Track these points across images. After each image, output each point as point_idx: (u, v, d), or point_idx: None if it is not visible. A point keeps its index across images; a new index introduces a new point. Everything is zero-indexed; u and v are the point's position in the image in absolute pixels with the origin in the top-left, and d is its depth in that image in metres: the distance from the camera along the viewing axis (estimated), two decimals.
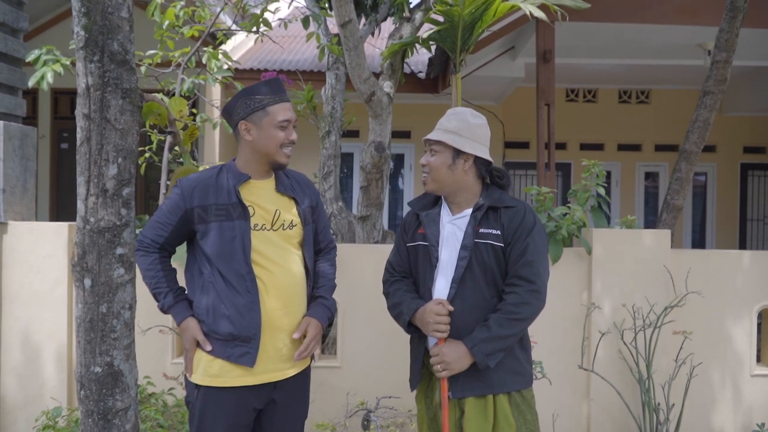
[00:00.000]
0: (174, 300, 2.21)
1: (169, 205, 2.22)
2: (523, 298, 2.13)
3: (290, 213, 2.26)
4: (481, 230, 2.20)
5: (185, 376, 2.25)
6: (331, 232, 2.50)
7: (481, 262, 2.18)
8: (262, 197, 2.23)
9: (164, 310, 2.23)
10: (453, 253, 2.22)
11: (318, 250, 2.41)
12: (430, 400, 2.30)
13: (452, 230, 2.25)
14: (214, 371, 2.15)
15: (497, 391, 2.17)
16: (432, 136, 2.26)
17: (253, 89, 2.20)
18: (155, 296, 2.23)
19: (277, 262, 2.20)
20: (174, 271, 2.29)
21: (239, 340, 2.13)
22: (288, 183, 2.31)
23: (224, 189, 2.19)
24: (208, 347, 2.15)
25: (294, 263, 2.24)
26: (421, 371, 2.32)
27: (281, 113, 2.20)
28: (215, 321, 2.14)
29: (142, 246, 2.24)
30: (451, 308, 2.17)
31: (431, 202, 2.35)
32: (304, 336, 2.25)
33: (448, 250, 2.23)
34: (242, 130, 2.21)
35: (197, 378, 2.17)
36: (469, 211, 2.25)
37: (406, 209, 9.95)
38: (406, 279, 2.36)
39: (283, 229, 2.23)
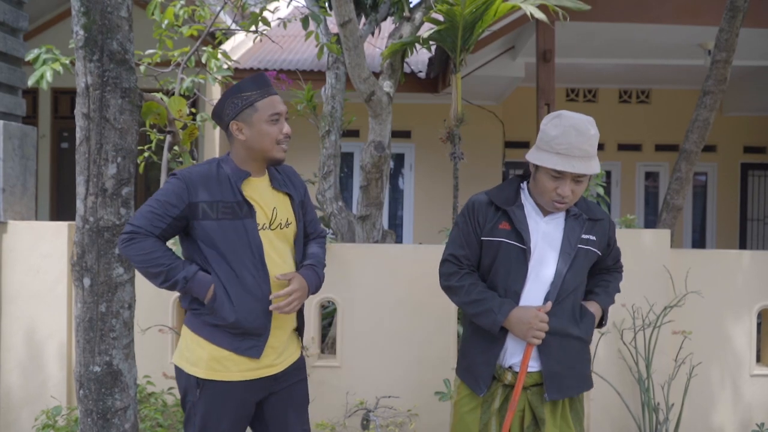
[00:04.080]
0: (198, 267, 2.09)
1: (169, 196, 2.07)
2: (620, 276, 2.44)
3: (286, 210, 2.24)
4: (584, 236, 2.18)
5: (183, 373, 2.17)
6: (328, 229, 2.45)
7: (579, 266, 2.18)
8: (261, 195, 2.20)
9: (187, 279, 2.06)
10: (551, 254, 2.15)
11: (306, 243, 2.37)
12: (488, 405, 2.20)
13: (548, 231, 2.17)
14: (219, 365, 2.11)
15: (586, 388, 2.24)
16: (592, 170, 2.06)
17: (238, 87, 2.14)
18: (169, 272, 2.05)
19: (276, 260, 2.19)
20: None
21: (249, 335, 2.12)
22: (281, 178, 2.27)
23: (227, 186, 2.13)
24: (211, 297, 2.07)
25: (289, 260, 2.25)
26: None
27: (270, 107, 2.13)
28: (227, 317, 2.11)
29: (137, 234, 2.04)
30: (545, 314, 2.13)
31: (512, 196, 2.21)
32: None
33: (544, 251, 2.15)
34: (234, 131, 2.14)
35: (200, 372, 2.12)
36: (561, 214, 2.19)
37: (407, 208, 9.93)
38: (476, 273, 2.24)
39: (281, 228, 2.21)
